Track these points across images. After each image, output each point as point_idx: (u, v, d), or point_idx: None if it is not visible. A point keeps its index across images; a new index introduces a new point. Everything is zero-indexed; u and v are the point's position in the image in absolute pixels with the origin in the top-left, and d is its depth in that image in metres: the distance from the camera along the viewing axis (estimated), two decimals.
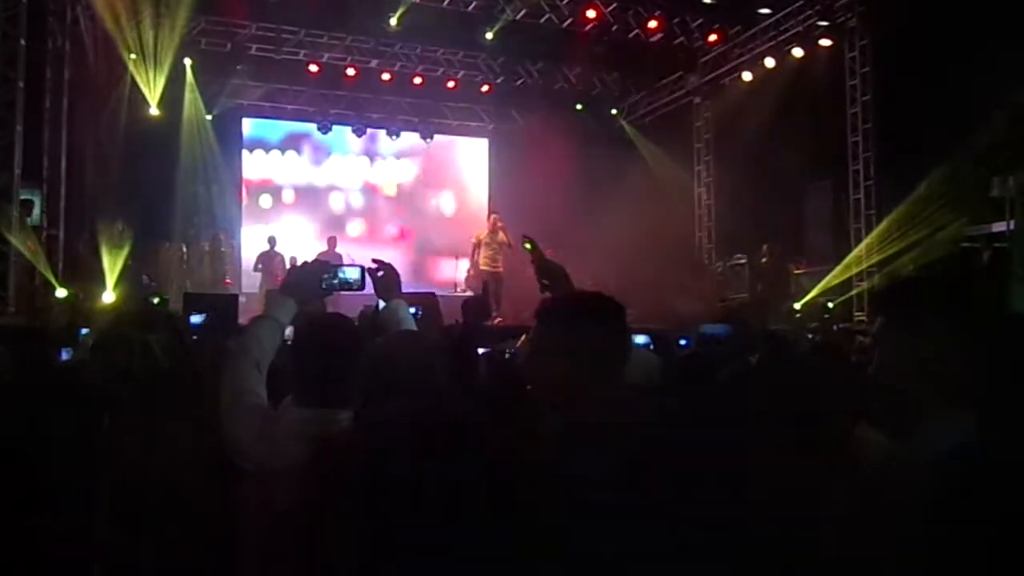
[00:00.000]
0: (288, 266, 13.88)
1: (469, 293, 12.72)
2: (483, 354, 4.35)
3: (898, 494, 1.31)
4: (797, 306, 11.95)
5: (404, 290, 2.57)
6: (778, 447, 1.34)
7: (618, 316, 1.88)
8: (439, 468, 0.66)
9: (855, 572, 1.35)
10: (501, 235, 12.70)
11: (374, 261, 2.55)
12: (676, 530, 0.99)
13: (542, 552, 0.66)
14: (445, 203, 17.67)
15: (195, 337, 5.73)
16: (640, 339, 3.51)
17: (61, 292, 9.95)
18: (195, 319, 6.63)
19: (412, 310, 2.48)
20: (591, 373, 1.72)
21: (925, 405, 1.42)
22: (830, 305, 11.88)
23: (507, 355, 4.15)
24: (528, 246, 2.72)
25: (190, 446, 1.87)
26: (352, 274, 2.40)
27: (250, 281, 14.00)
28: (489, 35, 13.65)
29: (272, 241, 13.99)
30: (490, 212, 14.07)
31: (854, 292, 11.97)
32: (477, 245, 12.94)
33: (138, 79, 13.22)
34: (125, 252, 12.05)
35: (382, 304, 2.55)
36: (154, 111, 13.77)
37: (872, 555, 1.33)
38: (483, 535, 0.65)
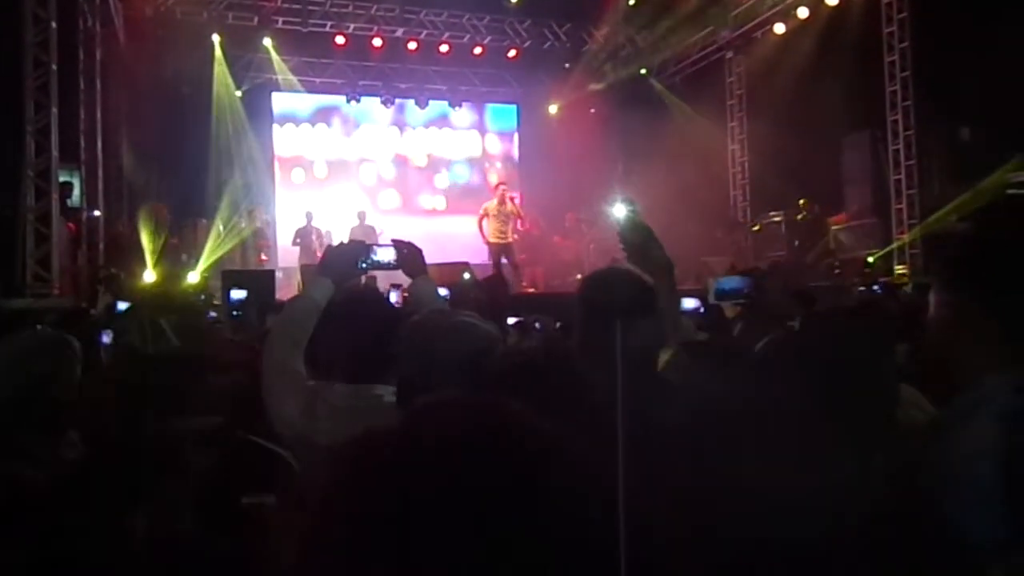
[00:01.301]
0: (324, 240, 14.00)
1: (504, 261, 12.68)
2: (513, 324, 4.35)
3: (965, 449, 1.29)
4: (870, 259, 11.68)
5: (439, 261, 2.60)
6: (823, 417, 1.32)
7: (646, 309, 1.89)
8: (491, 480, 0.63)
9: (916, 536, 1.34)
10: (510, 205, 12.55)
11: (393, 241, 2.58)
12: (718, 511, 0.98)
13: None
14: (475, 171, 17.61)
15: (236, 313, 5.73)
16: (690, 303, 3.40)
17: (103, 273, 10.13)
18: (236, 294, 6.54)
19: (443, 292, 2.51)
20: (631, 356, 1.71)
21: (983, 365, 1.39)
22: (870, 260, 11.68)
23: (536, 326, 4.14)
24: (624, 209, 2.65)
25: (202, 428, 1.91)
26: (386, 255, 2.47)
27: (286, 256, 14.13)
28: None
29: (309, 216, 14.08)
30: (499, 183, 13.77)
31: (895, 246, 11.75)
32: (484, 217, 12.61)
33: (167, 58, 13.30)
34: (164, 231, 12.24)
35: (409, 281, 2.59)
36: (185, 88, 13.87)
37: (931, 517, 1.31)
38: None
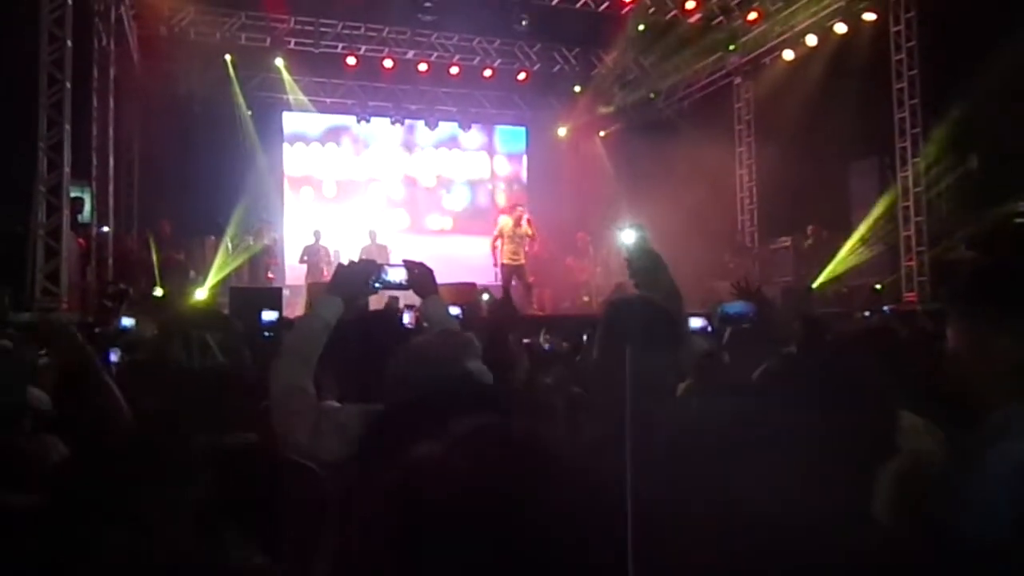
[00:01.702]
0: (332, 259, 14.03)
1: (513, 282, 12.65)
2: (524, 345, 4.32)
3: (991, 475, 1.28)
4: (878, 286, 11.62)
5: (447, 281, 2.60)
6: (823, 445, 1.32)
7: (671, 341, 1.88)
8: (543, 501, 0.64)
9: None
10: (525, 227, 12.46)
11: (405, 262, 2.58)
12: (720, 535, 0.98)
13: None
14: (483, 192, 17.67)
15: (268, 335, 5.63)
16: (697, 323, 3.37)
17: (112, 288, 10.17)
18: (267, 316, 6.37)
19: (455, 311, 2.50)
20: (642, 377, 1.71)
21: (1004, 392, 1.38)
22: (878, 287, 11.63)
23: (545, 346, 4.13)
24: (633, 235, 2.63)
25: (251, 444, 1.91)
26: (397, 275, 2.46)
27: (294, 274, 14.17)
28: (525, 22, 13.59)
29: (317, 235, 14.12)
30: (514, 204, 13.61)
31: (903, 272, 11.71)
32: (499, 237, 12.47)
33: (180, 76, 13.44)
34: (165, 246, 12.30)
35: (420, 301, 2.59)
36: (197, 107, 14.00)
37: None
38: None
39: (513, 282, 12.31)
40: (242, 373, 1.99)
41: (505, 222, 12.62)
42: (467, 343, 1.87)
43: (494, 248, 12.52)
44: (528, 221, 12.45)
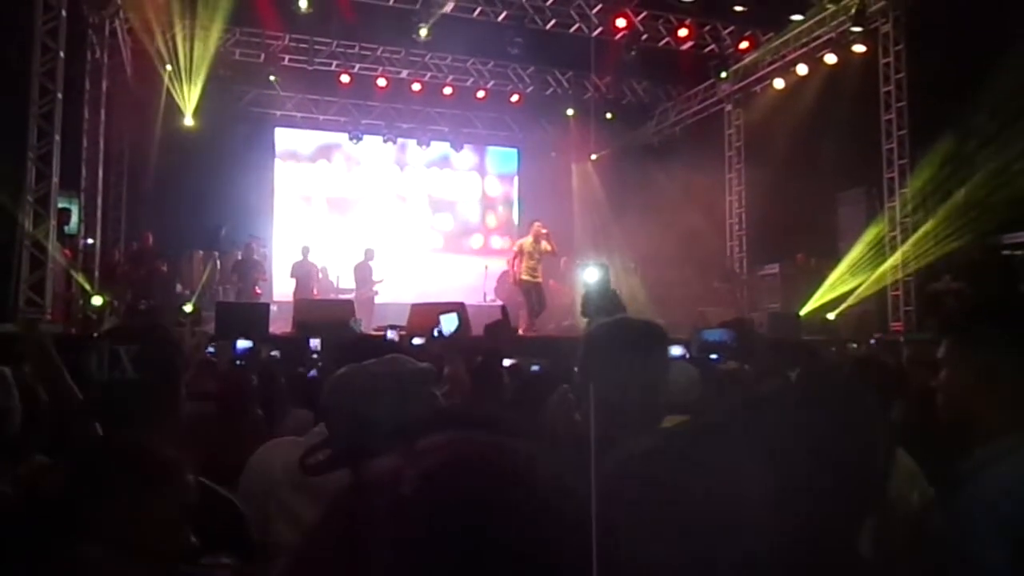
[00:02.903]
0: (321, 275, 14.00)
1: (499, 302, 12.58)
2: (508, 367, 4.28)
3: (980, 510, 1.27)
4: (831, 316, 11.74)
5: (433, 301, 2.56)
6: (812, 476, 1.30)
7: (655, 347, 1.87)
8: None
9: None
10: (545, 244, 12.28)
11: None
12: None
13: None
14: (474, 212, 17.69)
15: (239, 363, 5.47)
16: (676, 350, 3.36)
17: (97, 300, 10.09)
18: (241, 345, 6.09)
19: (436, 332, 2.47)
20: (634, 399, 1.69)
21: (1000, 426, 1.37)
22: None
23: (534, 368, 4.10)
24: (596, 273, 2.64)
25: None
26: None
27: (282, 290, 14.11)
28: (517, 48, 13.66)
29: (305, 251, 14.06)
30: (533, 220, 13.42)
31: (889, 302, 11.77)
32: (519, 254, 12.14)
33: (173, 91, 13.41)
34: (155, 259, 12.22)
35: None
36: (189, 121, 13.96)
37: None
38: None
39: (532, 297, 12.05)
40: (152, 387, 1.92)
41: (525, 239, 12.42)
42: (408, 372, 1.80)
43: (513, 264, 12.35)
44: (548, 237, 12.20)
